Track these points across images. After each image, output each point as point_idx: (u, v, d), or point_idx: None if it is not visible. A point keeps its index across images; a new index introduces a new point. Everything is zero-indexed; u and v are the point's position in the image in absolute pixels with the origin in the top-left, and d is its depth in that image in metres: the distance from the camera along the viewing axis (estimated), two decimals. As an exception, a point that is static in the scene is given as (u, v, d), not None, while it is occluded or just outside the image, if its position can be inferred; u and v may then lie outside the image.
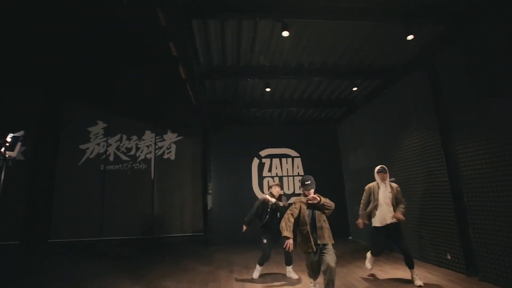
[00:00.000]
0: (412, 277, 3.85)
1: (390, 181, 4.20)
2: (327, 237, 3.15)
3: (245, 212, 7.71)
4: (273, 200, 4.50)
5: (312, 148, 8.38)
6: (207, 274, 4.81)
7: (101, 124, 9.49)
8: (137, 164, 9.29)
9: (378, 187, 4.14)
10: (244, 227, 4.68)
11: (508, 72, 3.35)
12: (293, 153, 8.40)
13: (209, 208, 8.51)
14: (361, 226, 4.19)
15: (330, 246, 3.13)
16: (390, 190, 4.09)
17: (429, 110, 4.62)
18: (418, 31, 4.11)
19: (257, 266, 4.51)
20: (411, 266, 3.86)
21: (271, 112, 7.80)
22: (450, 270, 4.27)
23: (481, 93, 3.75)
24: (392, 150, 5.73)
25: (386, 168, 4.20)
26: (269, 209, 4.53)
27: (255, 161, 8.18)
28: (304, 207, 3.32)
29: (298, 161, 8.36)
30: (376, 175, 4.23)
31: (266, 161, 8.23)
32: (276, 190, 4.61)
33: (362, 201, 4.30)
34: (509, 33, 3.35)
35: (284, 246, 3.15)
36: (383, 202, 4.03)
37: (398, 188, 4.12)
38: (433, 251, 4.64)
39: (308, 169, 8.26)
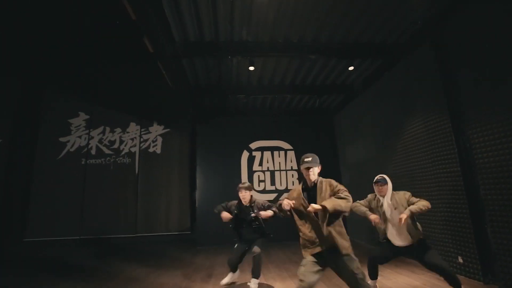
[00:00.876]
0: None
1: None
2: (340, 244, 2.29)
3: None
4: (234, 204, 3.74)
5: (307, 141, 7.73)
6: (182, 278, 4.20)
7: (83, 116, 8.89)
8: (121, 158, 8.68)
9: (380, 201, 3.15)
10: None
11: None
12: (286, 145, 7.75)
13: (197, 205, 7.93)
14: (377, 221, 3.07)
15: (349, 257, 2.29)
16: (395, 206, 3.02)
17: (437, 91, 3.96)
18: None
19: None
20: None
21: (261, 100, 7.17)
22: (462, 276, 3.61)
23: (502, 67, 3.09)
24: (394, 139, 5.08)
25: (387, 178, 3.14)
26: (235, 215, 3.69)
27: (245, 154, 7.55)
28: (297, 200, 2.42)
29: (291, 154, 7.71)
30: (374, 187, 3.21)
31: (257, 154, 7.59)
32: (242, 196, 3.63)
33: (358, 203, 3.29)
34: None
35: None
36: (390, 222, 3.04)
37: (406, 196, 3.07)
38: (441, 253, 3.98)
39: (302, 163, 7.61)
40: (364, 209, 3.21)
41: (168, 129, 8.81)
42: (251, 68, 4.71)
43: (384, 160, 5.37)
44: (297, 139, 7.75)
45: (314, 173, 2.46)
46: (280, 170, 7.60)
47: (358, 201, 3.29)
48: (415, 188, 4.39)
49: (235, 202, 3.78)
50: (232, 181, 7.34)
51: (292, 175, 7.57)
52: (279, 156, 7.67)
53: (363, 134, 6.31)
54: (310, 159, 2.45)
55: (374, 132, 5.81)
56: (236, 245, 3.81)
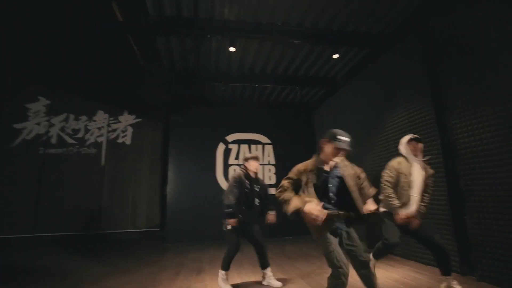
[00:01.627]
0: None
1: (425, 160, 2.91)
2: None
3: (207, 204, 6.76)
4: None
5: (285, 135, 7.56)
6: (146, 276, 3.78)
7: (43, 101, 8.05)
8: (85, 148, 7.97)
9: (410, 164, 2.86)
10: (232, 221, 3.15)
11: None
12: (264, 139, 7.52)
13: (167, 200, 7.49)
14: (415, 224, 2.74)
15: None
16: (424, 173, 2.83)
17: (422, 82, 3.91)
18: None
19: (220, 272, 3.23)
20: (447, 272, 2.73)
21: (240, 90, 6.88)
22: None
23: (485, 60, 3.07)
24: (375, 132, 5.02)
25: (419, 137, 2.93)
26: (246, 190, 3.22)
27: (221, 147, 7.22)
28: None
29: (269, 149, 7.50)
30: (404, 147, 2.95)
31: (233, 147, 7.29)
32: (254, 166, 3.29)
33: (386, 188, 2.89)
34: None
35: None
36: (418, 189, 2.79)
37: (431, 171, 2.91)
38: (418, 244, 3.93)
39: (280, 157, 7.43)
40: (396, 203, 2.80)
41: (139, 119, 8.23)
42: (232, 49, 4.41)
43: (363, 153, 5.30)
44: (275, 133, 7.55)
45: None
46: (257, 165, 7.34)
47: (386, 180, 2.90)
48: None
49: (239, 175, 3.27)
50: (206, 175, 7.00)
51: (269, 169, 7.35)
52: (256, 150, 7.42)
53: (343, 128, 6.19)
54: (349, 139, 2.10)
55: (355, 126, 5.71)
56: (230, 228, 3.16)
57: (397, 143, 4.36)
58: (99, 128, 8.15)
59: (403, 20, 4.21)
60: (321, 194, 2.03)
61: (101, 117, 8.23)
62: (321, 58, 5.36)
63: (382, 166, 4.68)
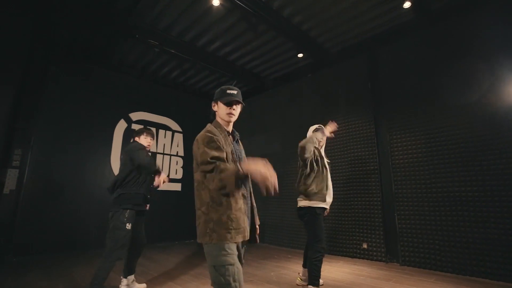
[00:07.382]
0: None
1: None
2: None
3: (87, 197, 4.86)
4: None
5: (199, 126, 6.71)
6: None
7: None
8: None
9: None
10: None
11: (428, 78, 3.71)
12: (174, 126, 6.43)
13: (6, 191, 4.98)
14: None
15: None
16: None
17: (366, 98, 4.58)
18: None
19: None
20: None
21: (163, 61, 5.60)
22: (366, 260, 4.17)
23: (417, 86, 4.02)
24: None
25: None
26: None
27: (121, 125, 5.53)
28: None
29: (179, 138, 6.47)
30: (321, 133, 3.09)
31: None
32: (148, 142, 3.19)
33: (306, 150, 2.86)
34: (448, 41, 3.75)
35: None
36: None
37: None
38: (347, 243, 4.46)
39: (190, 150, 6.55)
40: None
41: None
42: (216, 1, 3.49)
43: (290, 155, 5.52)
44: (188, 122, 6.64)
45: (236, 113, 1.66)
46: (163, 154, 6.14)
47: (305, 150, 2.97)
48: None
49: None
50: (95, 158, 5.16)
51: (177, 162, 6.32)
52: (164, 137, 6.21)
53: (267, 128, 6.23)
54: (236, 91, 1.64)
55: (282, 128, 5.88)
56: (126, 219, 2.69)
57: (333, 150, 4.85)
58: None
59: (356, 42, 4.80)
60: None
61: None
62: (272, 52, 5.21)
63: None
